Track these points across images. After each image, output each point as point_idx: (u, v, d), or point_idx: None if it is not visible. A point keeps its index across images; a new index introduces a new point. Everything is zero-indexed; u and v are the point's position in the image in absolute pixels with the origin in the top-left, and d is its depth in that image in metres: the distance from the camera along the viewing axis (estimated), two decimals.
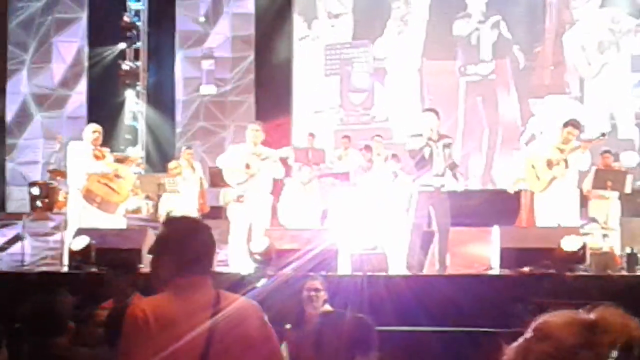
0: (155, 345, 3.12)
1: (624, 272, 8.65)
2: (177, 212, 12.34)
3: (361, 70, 17.57)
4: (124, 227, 11.03)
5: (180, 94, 17.59)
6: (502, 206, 12.73)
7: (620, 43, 16.56)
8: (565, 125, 10.32)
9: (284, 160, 11.99)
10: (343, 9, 17.67)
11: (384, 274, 9.00)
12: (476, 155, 16.64)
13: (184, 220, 3.66)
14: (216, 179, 12.10)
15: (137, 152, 12.87)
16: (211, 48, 17.66)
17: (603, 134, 11.27)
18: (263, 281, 8.16)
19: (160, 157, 16.44)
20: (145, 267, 9.23)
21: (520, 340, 1.44)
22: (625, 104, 16.43)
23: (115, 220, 11.00)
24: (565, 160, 10.21)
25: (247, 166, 10.63)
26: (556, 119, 11.15)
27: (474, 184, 16.31)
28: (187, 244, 3.31)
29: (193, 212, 12.39)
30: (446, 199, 9.68)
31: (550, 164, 10.22)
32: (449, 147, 9.71)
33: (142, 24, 17.47)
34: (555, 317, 1.45)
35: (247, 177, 10.59)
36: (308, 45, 17.80)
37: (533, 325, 1.46)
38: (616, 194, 11.23)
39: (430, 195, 9.57)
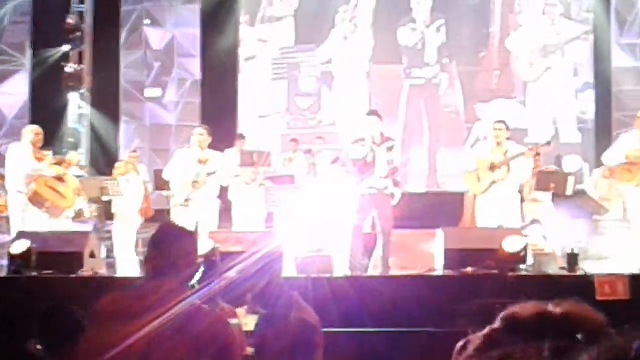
0: (101, 339, 3.12)
1: (565, 272, 8.75)
2: (120, 214, 12.27)
3: (308, 74, 17.56)
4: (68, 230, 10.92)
5: (125, 96, 17.43)
6: (446, 208, 12.83)
7: (565, 48, 16.77)
8: (492, 124, 10.61)
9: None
10: (287, 12, 17.64)
11: (328, 275, 9.01)
12: (420, 158, 16.73)
13: (166, 225, 3.73)
14: (161, 182, 12.04)
15: (74, 155, 12.72)
16: (156, 50, 17.53)
17: (548, 142, 11.48)
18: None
19: (104, 161, 16.28)
20: (86, 270, 9.16)
21: (487, 330, 1.44)
22: (567, 109, 16.64)
23: (60, 225, 10.90)
24: (508, 165, 10.35)
25: (195, 182, 10.65)
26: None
27: (419, 187, 16.40)
28: (163, 248, 3.36)
29: (136, 215, 12.31)
30: (389, 201, 9.73)
31: (492, 167, 10.35)
32: (391, 149, 9.77)
33: (86, 26, 17.29)
34: (523, 309, 1.45)
35: (193, 190, 10.63)
36: (254, 48, 17.74)
37: (501, 315, 1.46)
38: (549, 196, 11.36)
39: (372, 197, 9.63)
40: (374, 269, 9.93)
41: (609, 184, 12.00)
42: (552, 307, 1.42)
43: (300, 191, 12.00)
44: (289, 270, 9.28)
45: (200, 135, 10.90)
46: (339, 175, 11.95)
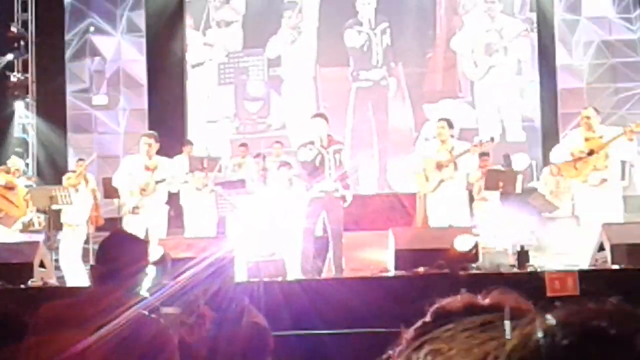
0: (41, 347, 3.08)
1: (515, 270, 8.82)
2: (69, 223, 12.15)
3: (256, 78, 17.54)
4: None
5: (71, 105, 17.28)
6: (398, 209, 12.90)
7: (508, 47, 16.94)
8: (436, 122, 10.73)
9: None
10: (234, 17, 17.61)
11: (280, 279, 8.99)
12: (370, 160, 16.79)
13: (115, 233, 3.70)
14: (110, 190, 11.95)
15: (16, 160, 12.55)
16: (102, 57, 17.39)
17: (492, 138, 11.56)
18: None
19: (51, 170, 16.12)
20: (36, 281, 9.05)
21: (419, 323, 1.44)
22: (512, 107, 16.81)
23: (10, 235, 10.78)
24: (455, 163, 10.43)
25: (143, 190, 10.59)
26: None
27: (370, 189, 16.46)
28: (111, 255, 3.33)
29: (84, 225, 12.20)
30: (340, 204, 9.75)
31: (439, 166, 10.43)
32: (339, 152, 9.79)
33: (30, 34, 17.12)
34: (453, 302, 1.46)
35: (142, 198, 10.57)
36: (201, 54, 17.68)
37: (431, 309, 1.47)
38: (497, 195, 11.47)
39: (322, 200, 9.65)
40: (328, 272, 9.93)
41: (557, 181, 12.15)
42: (480, 298, 1.44)
43: (251, 196, 11.98)
44: (241, 275, 9.26)
45: (147, 143, 10.83)
46: (288, 179, 11.96)
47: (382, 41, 17.20)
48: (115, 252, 3.42)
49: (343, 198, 9.88)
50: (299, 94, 17.29)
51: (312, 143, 9.78)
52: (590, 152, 9.93)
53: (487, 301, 1.42)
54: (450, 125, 10.81)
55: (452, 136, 10.81)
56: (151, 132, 11.76)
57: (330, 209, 9.77)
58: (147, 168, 10.83)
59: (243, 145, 15.06)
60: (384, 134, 16.94)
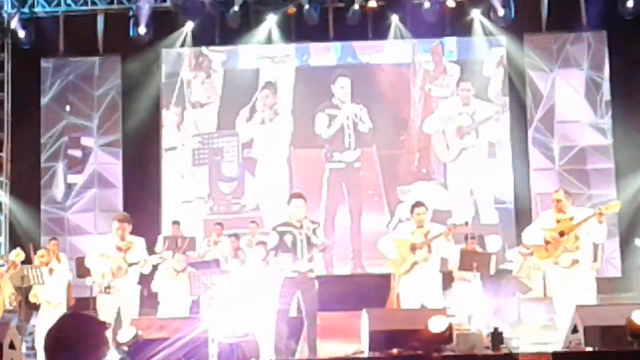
0: None
1: (490, 351, 8.81)
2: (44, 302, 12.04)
3: (230, 159, 17.61)
4: None
5: (45, 183, 17.28)
6: (372, 290, 12.88)
7: (480, 129, 17.17)
8: (412, 209, 10.72)
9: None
10: (208, 98, 17.75)
11: None
12: (345, 241, 16.82)
13: (68, 317, 3.47)
14: (82, 270, 11.88)
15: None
16: (76, 137, 17.46)
17: (466, 222, 11.66)
18: None
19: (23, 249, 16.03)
20: None
21: None
22: (485, 189, 16.96)
23: None
24: (429, 245, 10.47)
25: (115, 272, 10.54)
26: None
27: (345, 270, 16.46)
28: (64, 343, 3.14)
29: (61, 304, 12.09)
30: (314, 284, 9.74)
31: (413, 248, 10.45)
32: (314, 232, 9.80)
33: (5, 113, 17.19)
34: None
35: (114, 279, 10.52)
36: (175, 135, 17.75)
37: None
38: (478, 276, 11.53)
39: (295, 281, 9.64)
40: (302, 353, 9.87)
41: (525, 262, 12.22)
42: None
43: (225, 276, 11.93)
44: (214, 355, 9.19)
45: (119, 228, 10.78)
46: (263, 258, 11.95)
47: (355, 124, 17.38)
48: (73, 337, 3.15)
49: (318, 278, 9.87)
50: (273, 175, 17.36)
51: (287, 224, 9.82)
52: (561, 234, 10.00)
53: None
54: (427, 209, 10.87)
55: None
56: (123, 213, 11.71)
57: (305, 289, 9.77)
58: (120, 249, 10.77)
59: (219, 224, 15.09)
60: (357, 215, 17.01)
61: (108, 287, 10.56)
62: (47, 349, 3.17)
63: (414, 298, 10.29)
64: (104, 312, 10.40)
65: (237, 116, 17.61)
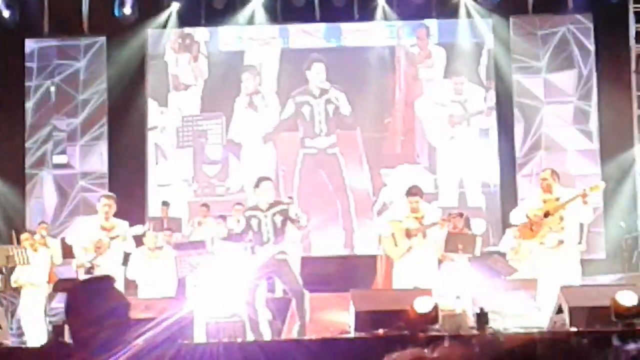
0: None
1: (475, 331, 8.84)
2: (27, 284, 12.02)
3: (214, 142, 17.56)
4: None
5: (31, 164, 17.20)
6: (358, 271, 12.91)
7: (471, 119, 17.19)
8: (407, 194, 10.72)
9: (138, 237, 11.89)
10: (194, 80, 17.68)
11: (239, 340, 8.94)
12: (335, 224, 16.81)
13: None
14: (68, 250, 11.84)
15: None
16: (62, 118, 17.37)
17: (461, 214, 11.77)
18: None
19: (8, 232, 15.97)
20: None
21: None
22: (473, 173, 16.99)
23: None
24: (424, 233, 10.49)
25: (97, 247, 10.51)
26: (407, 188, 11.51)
27: (337, 251, 16.47)
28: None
29: (45, 284, 12.08)
30: (285, 265, 9.75)
31: (409, 234, 10.48)
32: (282, 213, 9.77)
33: None
34: (402, 356, 1.49)
35: (97, 255, 10.49)
36: (159, 117, 17.67)
37: None
38: (465, 257, 11.56)
39: (266, 264, 9.67)
40: (288, 333, 9.90)
41: (518, 243, 12.26)
42: (428, 352, 1.47)
43: (211, 257, 11.93)
44: (200, 335, 9.20)
45: (106, 205, 10.79)
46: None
47: (327, 110, 17.34)
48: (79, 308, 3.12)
49: (304, 259, 9.90)
50: (258, 157, 17.33)
51: (254, 208, 9.86)
52: (546, 214, 10.04)
53: (434, 355, 1.44)
54: (422, 196, 10.88)
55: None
56: (111, 193, 11.71)
57: (279, 272, 9.81)
58: (104, 228, 10.76)
59: (204, 205, 15.09)
60: (343, 198, 17.00)
61: (91, 267, 10.53)
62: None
63: (409, 281, 10.32)
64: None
65: (220, 99, 17.55)
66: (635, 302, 8.21)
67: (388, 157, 17.23)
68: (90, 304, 3.15)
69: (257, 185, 9.98)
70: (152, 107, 17.65)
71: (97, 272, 10.50)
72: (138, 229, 11.35)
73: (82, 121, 17.41)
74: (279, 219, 9.73)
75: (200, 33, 17.78)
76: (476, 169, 17.03)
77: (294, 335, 9.58)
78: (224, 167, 17.50)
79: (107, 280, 3.25)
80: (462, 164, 17.06)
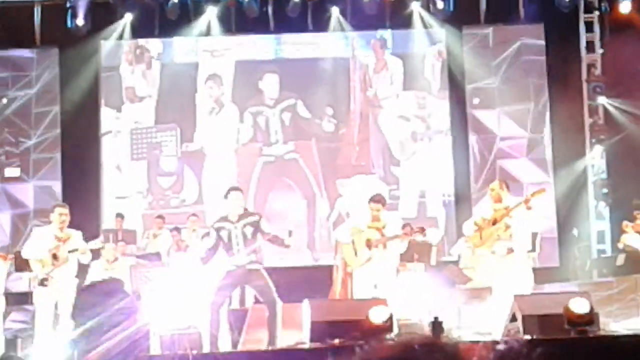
0: None
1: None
2: None
3: (169, 153, 17.48)
4: None
5: None
6: (315, 281, 12.91)
7: (433, 137, 17.30)
8: (369, 201, 10.73)
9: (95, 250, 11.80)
10: (147, 92, 17.59)
11: (194, 352, 8.89)
12: (301, 230, 16.76)
13: None
14: (21, 263, 11.71)
15: None
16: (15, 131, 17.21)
17: (422, 228, 11.85)
18: None
19: None
20: None
21: None
22: (434, 185, 17.08)
23: None
24: (385, 244, 10.50)
25: (54, 258, 10.41)
26: (363, 198, 11.49)
27: (303, 260, 16.43)
28: None
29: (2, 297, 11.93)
30: (259, 275, 9.72)
31: (369, 245, 10.47)
32: (253, 224, 9.78)
33: None
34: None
35: (54, 268, 10.39)
36: (116, 122, 17.55)
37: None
38: (422, 266, 11.63)
39: (236, 274, 9.64)
40: (245, 344, 9.89)
41: (471, 252, 12.34)
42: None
43: (167, 268, 11.88)
44: (155, 348, 9.15)
45: (61, 214, 10.69)
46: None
47: (282, 119, 17.37)
48: None
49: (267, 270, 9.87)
50: (218, 168, 17.28)
51: (223, 219, 9.83)
52: (494, 222, 10.12)
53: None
54: (384, 204, 10.90)
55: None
56: (64, 203, 11.59)
57: (249, 282, 9.78)
58: (59, 239, 10.65)
59: (160, 217, 15.02)
60: (312, 200, 16.99)
61: (46, 278, 10.41)
62: None
63: (367, 291, 10.33)
64: (41, 305, 10.28)
65: (174, 111, 17.47)
66: (587, 310, 8.30)
67: (343, 167, 17.27)
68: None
69: (226, 196, 9.97)
70: (106, 115, 17.50)
71: (52, 285, 10.39)
72: (97, 243, 11.29)
73: (35, 134, 17.23)
74: (249, 230, 9.71)
75: (153, 44, 17.72)
76: (435, 180, 17.13)
77: (254, 346, 9.56)
78: (178, 179, 17.42)
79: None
80: (419, 174, 17.16)
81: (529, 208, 10.01)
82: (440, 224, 16.79)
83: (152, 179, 17.45)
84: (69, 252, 10.51)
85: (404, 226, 11.11)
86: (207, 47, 17.64)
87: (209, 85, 17.58)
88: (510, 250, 10.07)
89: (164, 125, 17.53)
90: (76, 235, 10.86)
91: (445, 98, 17.36)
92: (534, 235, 11.52)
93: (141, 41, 17.66)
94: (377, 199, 10.79)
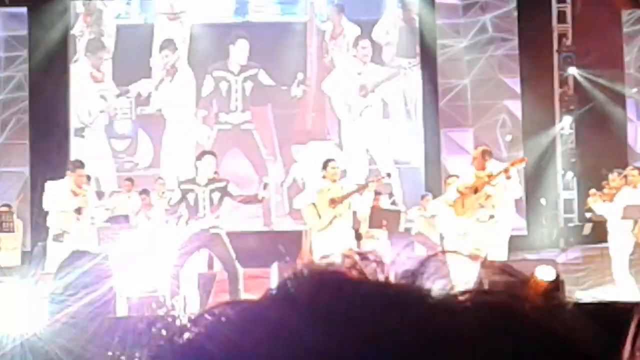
0: None
1: None
2: None
3: (123, 117, 17.30)
4: None
5: None
6: (283, 246, 12.91)
7: (377, 90, 17.21)
8: (324, 164, 10.74)
9: None
10: (101, 55, 17.34)
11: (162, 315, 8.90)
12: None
13: None
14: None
15: None
16: None
17: (388, 174, 11.86)
18: None
19: None
20: None
21: None
22: (383, 149, 17.02)
23: None
24: (349, 201, 10.50)
25: (78, 212, 10.40)
26: (318, 164, 11.45)
27: (255, 227, 16.35)
28: None
29: None
30: (220, 240, 9.72)
31: (333, 202, 10.46)
32: (220, 190, 9.76)
33: None
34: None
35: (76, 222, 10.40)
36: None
37: None
38: (385, 233, 11.64)
39: (198, 237, 9.64)
40: None
41: (427, 223, 12.39)
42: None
43: (134, 231, 11.84)
44: (122, 311, 9.14)
45: (80, 175, 10.72)
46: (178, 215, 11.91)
47: (244, 87, 17.24)
48: None
49: (230, 235, 9.87)
50: (174, 132, 17.13)
51: (191, 181, 9.81)
52: (475, 190, 10.16)
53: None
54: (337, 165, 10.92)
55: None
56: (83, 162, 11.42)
57: (210, 246, 9.79)
58: (76, 194, 10.67)
59: (128, 180, 14.89)
60: (263, 172, 16.81)
61: (60, 234, 10.39)
62: None
63: (327, 252, 10.33)
64: (55, 260, 10.24)
65: (129, 74, 17.21)
66: (553, 278, 8.34)
67: (298, 133, 17.17)
68: None
69: (199, 159, 9.95)
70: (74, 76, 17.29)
71: (68, 240, 10.36)
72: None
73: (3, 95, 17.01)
74: (216, 195, 9.72)
75: (108, 7, 17.43)
76: (385, 145, 17.07)
77: None
78: (133, 142, 17.23)
79: None
80: (372, 139, 17.08)
81: (508, 177, 10.08)
82: (394, 188, 16.52)
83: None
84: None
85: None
86: (162, 9, 17.37)
87: (164, 53, 17.31)
88: (491, 217, 10.14)
89: (119, 87, 17.27)
90: (91, 191, 10.95)
91: (418, 65, 17.26)
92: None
93: (97, 3, 17.37)
94: (332, 159, 10.89)
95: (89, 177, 13.10)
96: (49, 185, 11.23)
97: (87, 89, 17.32)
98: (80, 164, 11.07)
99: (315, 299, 0.60)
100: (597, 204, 11.67)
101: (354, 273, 0.63)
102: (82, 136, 17.24)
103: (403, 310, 0.59)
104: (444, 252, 0.68)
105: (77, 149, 16.91)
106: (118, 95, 17.27)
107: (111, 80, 17.33)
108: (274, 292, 0.62)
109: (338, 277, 0.62)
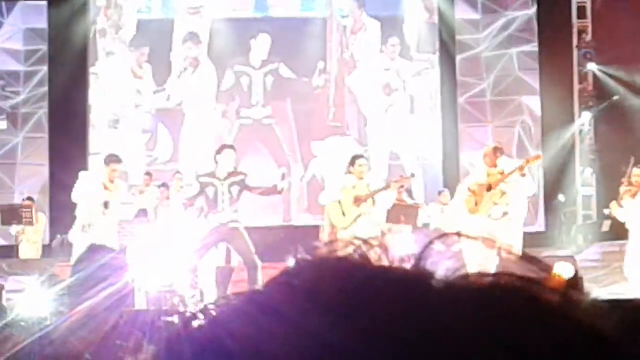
0: None
1: None
2: None
3: (143, 110, 17.33)
4: None
5: None
6: (301, 242, 12.93)
7: (406, 86, 17.18)
8: (352, 160, 10.69)
9: None
10: (121, 48, 17.37)
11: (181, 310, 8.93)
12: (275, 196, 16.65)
13: None
14: (7, 216, 11.69)
15: None
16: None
17: (412, 174, 11.84)
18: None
19: None
20: None
21: None
22: (408, 145, 16.99)
23: None
24: (373, 199, 10.48)
25: (105, 207, 10.43)
26: (337, 160, 11.41)
27: (275, 221, 16.36)
28: None
29: None
30: (239, 234, 9.73)
31: (358, 200, 10.44)
32: (239, 183, 9.77)
33: None
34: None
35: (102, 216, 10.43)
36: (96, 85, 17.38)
37: None
38: (409, 227, 11.62)
39: (217, 232, 9.64)
40: None
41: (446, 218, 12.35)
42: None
43: (153, 225, 11.87)
44: (140, 304, 9.17)
45: (114, 170, 10.73)
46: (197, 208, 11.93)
47: (265, 81, 17.23)
48: None
49: (248, 229, 9.88)
50: (195, 126, 17.13)
51: (211, 175, 9.81)
52: (488, 188, 10.13)
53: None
54: (367, 160, 10.89)
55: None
56: (118, 157, 11.40)
57: (229, 240, 9.79)
58: (106, 188, 10.72)
59: (147, 174, 14.92)
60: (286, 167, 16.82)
61: (87, 225, 10.45)
62: None
63: None
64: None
65: (156, 67, 17.25)
66: (571, 274, 8.31)
67: (318, 129, 17.16)
68: None
69: (219, 152, 9.96)
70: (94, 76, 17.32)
71: (92, 232, 10.41)
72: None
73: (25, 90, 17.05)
74: (235, 189, 9.72)
75: (129, 1, 17.47)
76: (410, 140, 17.04)
77: None
78: (152, 137, 17.25)
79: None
80: (397, 134, 17.06)
81: (523, 175, 10.04)
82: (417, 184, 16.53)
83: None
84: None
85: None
86: (182, 4, 17.37)
87: (187, 46, 17.31)
88: (505, 214, 10.10)
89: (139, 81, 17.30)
90: (123, 186, 10.98)
91: (435, 63, 17.23)
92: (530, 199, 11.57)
93: None
94: (361, 155, 10.84)
95: (125, 173, 13.21)
96: (82, 175, 11.25)
97: (126, 83, 17.33)
98: (116, 159, 11.06)
99: (314, 284, 0.61)
100: (619, 211, 11.41)
101: (357, 258, 0.64)
102: (116, 127, 17.23)
103: (405, 293, 0.60)
104: (459, 234, 0.69)
105: (108, 142, 16.93)
106: (155, 92, 17.25)
107: (151, 77, 17.31)
108: (276, 279, 0.64)
109: (339, 262, 0.64)
